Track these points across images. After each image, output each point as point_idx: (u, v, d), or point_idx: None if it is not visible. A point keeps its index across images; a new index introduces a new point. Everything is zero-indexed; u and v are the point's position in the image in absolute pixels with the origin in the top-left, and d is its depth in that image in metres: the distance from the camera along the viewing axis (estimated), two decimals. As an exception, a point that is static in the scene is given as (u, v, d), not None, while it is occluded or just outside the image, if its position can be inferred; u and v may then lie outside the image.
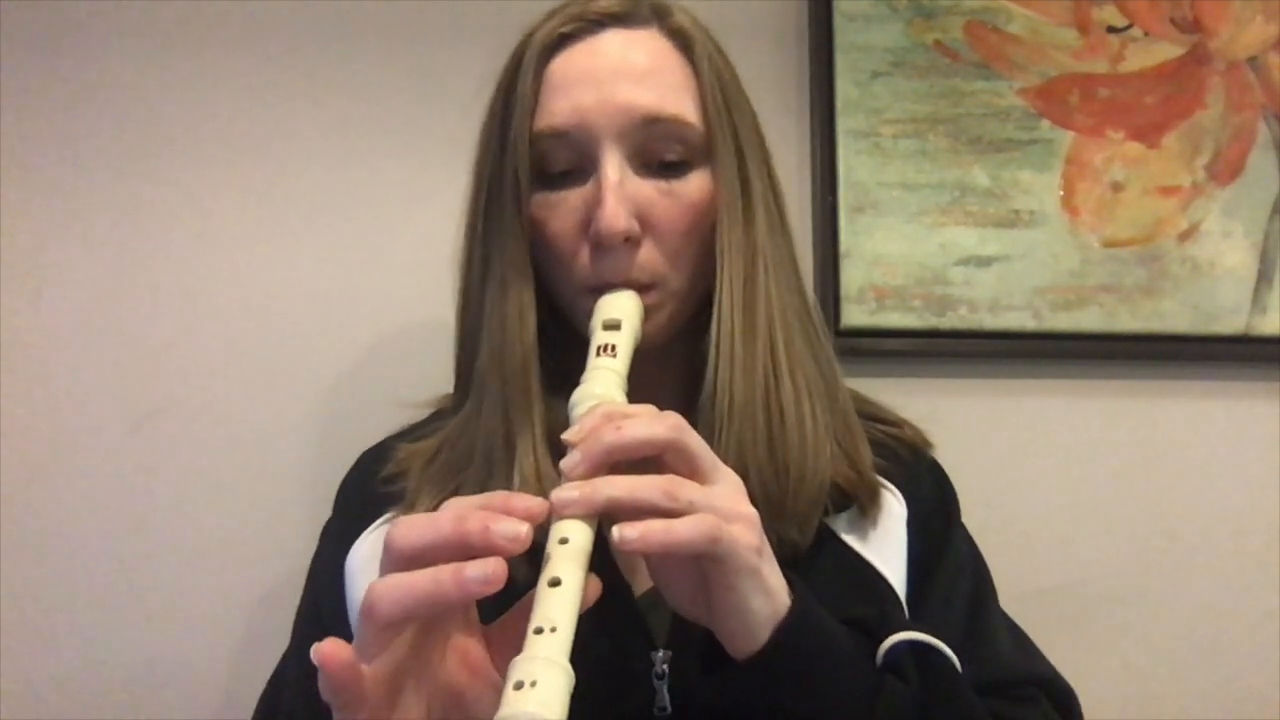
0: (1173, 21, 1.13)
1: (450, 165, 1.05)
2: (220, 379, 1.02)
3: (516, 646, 0.46)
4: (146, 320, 1.02)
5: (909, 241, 1.09)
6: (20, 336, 1.00)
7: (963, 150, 1.10)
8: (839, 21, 1.09)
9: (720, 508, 0.51)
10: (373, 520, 0.70)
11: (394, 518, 0.68)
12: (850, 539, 0.68)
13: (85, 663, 0.98)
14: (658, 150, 0.65)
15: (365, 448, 0.78)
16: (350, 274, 1.04)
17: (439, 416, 0.75)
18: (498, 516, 0.47)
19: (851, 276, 1.07)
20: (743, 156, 0.67)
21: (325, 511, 0.78)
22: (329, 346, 1.03)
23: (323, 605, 0.71)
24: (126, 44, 1.03)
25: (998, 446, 1.09)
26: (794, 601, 0.54)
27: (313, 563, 0.76)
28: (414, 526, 0.48)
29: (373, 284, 1.05)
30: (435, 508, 0.51)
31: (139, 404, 1.01)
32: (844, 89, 1.09)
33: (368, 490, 0.71)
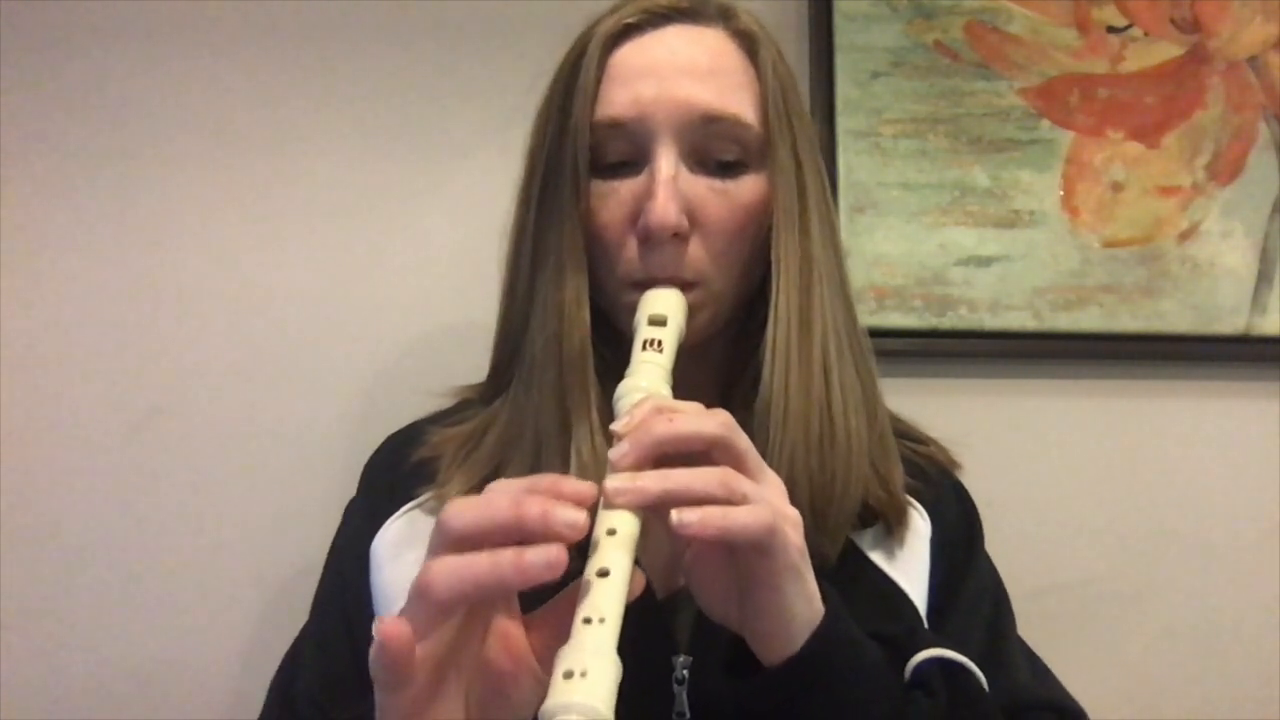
0: (1173, 21, 1.13)
1: (450, 165, 1.06)
2: (220, 379, 1.02)
3: (556, 634, 0.45)
4: (146, 320, 1.01)
5: (909, 241, 1.09)
6: (20, 336, 1.00)
7: (963, 150, 1.10)
8: (839, 21, 1.09)
9: (772, 505, 0.51)
10: (401, 503, 0.69)
11: (424, 501, 0.68)
12: (875, 556, 0.68)
13: (86, 663, 0.98)
14: (713, 149, 0.65)
15: (367, 446, 0.78)
16: (350, 274, 1.04)
17: (466, 406, 0.74)
18: (555, 502, 0.46)
19: (852, 277, 1.06)
20: (800, 164, 0.67)
21: (328, 511, 0.77)
22: (329, 347, 1.03)
23: (345, 586, 0.70)
24: (126, 44, 1.03)
25: (997, 446, 1.09)
26: (828, 610, 0.53)
27: (335, 542, 0.75)
28: (469, 508, 0.47)
29: (373, 284, 1.04)
30: (469, 491, 0.50)
31: (139, 404, 1.01)
32: (844, 89, 1.09)
33: (396, 472, 0.71)
